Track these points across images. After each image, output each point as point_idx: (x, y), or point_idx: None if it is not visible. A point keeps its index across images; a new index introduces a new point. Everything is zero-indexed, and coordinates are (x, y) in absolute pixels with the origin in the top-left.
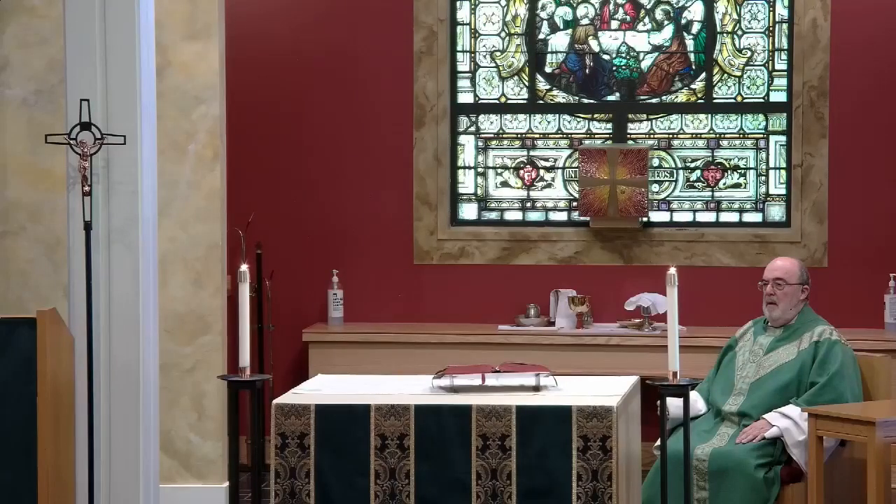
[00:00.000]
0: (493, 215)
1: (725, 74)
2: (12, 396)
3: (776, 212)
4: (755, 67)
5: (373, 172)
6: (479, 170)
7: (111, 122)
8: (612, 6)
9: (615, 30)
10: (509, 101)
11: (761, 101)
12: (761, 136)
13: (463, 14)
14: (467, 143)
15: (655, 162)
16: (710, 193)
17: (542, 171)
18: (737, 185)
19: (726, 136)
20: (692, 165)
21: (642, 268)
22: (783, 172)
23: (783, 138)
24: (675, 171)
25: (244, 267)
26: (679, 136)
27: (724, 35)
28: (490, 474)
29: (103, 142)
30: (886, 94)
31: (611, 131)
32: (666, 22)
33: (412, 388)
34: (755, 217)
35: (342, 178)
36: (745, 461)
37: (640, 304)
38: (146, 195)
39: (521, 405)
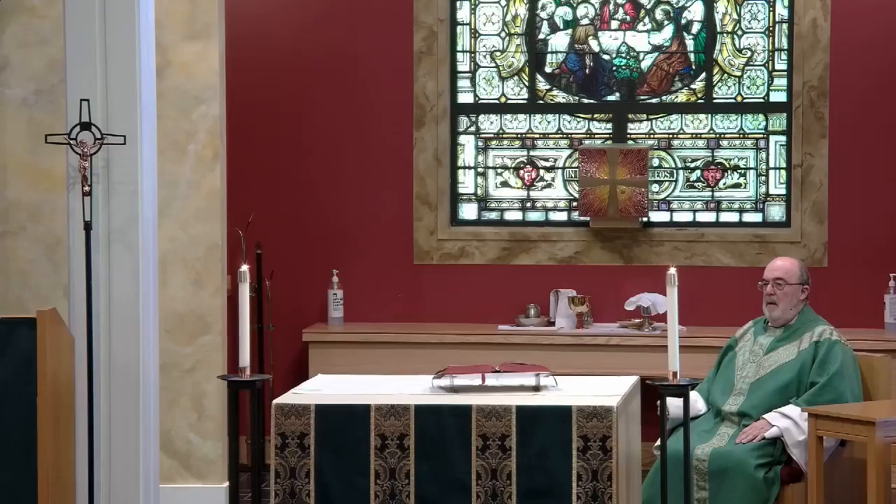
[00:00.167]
0: (493, 215)
1: (725, 74)
2: (12, 396)
3: (776, 212)
4: (755, 67)
5: (373, 172)
6: (479, 170)
7: (111, 122)
8: (612, 6)
9: (615, 30)
10: (509, 101)
11: (761, 101)
12: (761, 136)
13: (463, 14)
14: (467, 143)
15: (655, 162)
16: (710, 193)
17: (542, 171)
18: (737, 185)
19: (726, 136)
20: (692, 165)
21: (642, 268)
22: (783, 172)
23: (783, 138)
24: (675, 171)
25: (244, 267)
26: (679, 136)
27: (724, 35)
28: (490, 474)
29: (103, 142)
30: (886, 94)
31: (611, 131)
32: (666, 22)
33: (412, 388)
34: (755, 217)
35: (342, 178)
36: (745, 461)
37: (640, 304)
38: (146, 195)
39: (521, 405)
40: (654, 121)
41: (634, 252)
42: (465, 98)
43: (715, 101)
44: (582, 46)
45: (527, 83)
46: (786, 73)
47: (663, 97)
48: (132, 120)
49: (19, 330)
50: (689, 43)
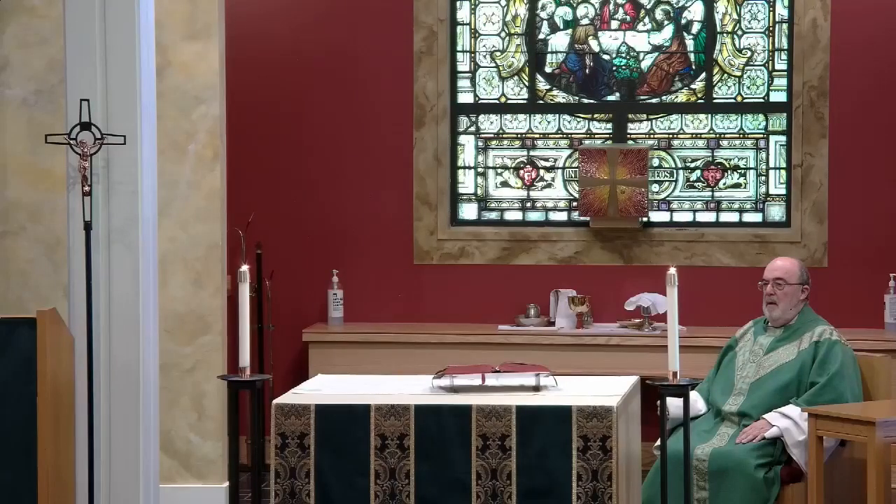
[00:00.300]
0: (493, 215)
1: (725, 74)
2: (12, 396)
3: (776, 212)
4: (755, 67)
5: (373, 172)
6: (479, 170)
7: (111, 122)
8: (612, 6)
9: (615, 30)
10: (509, 101)
11: (761, 101)
12: (761, 136)
13: (463, 14)
14: (467, 143)
15: (655, 162)
16: (710, 193)
17: (542, 171)
18: (737, 185)
19: (726, 136)
20: (692, 165)
21: (642, 268)
22: (783, 172)
23: (783, 138)
24: (675, 171)
25: (244, 267)
26: (679, 136)
27: (724, 35)
28: (490, 474)
29: (103, 142)
30: (886, 94)
31: (611, 131)
32: (666, 22)
33: (412, 388)
34: (755, 217)
35: (342, 178)
36: (745, 461)
37: (640, 304)
38: (146, 195)
39: (521, 405)
40: (654, 121)
41: (634, 252)
42: (465, 98)
43: (715, 101)
44: (582, 46)
45: (527, 83)
46: (786, 73)
47: (663, 97)
48: (132, 120)
49: (19, 330)
50: (689, 43)
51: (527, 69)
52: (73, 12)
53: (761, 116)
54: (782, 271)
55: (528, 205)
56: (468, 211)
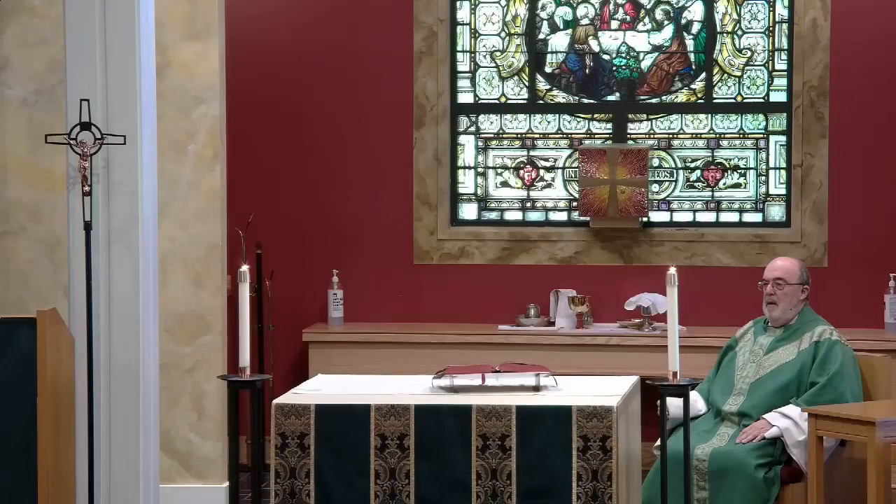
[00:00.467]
0: (493, 215)
1: (725, 74)
2: (12, 396)
3: (776, 212)
4: (755, 67)
5: (373, 172)
6: (479, 170)
7: (111, 122)
8: (612, 6)
9: (615, 30)
10: (509, 101)
11: (761, 101)
12: (761, 136)
13: (463, 14)
14: (467, 143)
15: (655, 162)
16: (710, 193)
17: (542, 171)
18: (737, 185)
19: (726, 136)
20: (692, 165)
21: (642, 268)
22: (783, 172)
23: (783, 138)
24: (675, 171)
25: (244, 267)
26: (679, 136)
27: (724, 35)
28: (490, 474)
29: (103, 142)
30: (886, 94)
31: (611, 131)
32: (666, 22)
33: (412, 388)
34: (755, 217)
35: (342, 178)
36: (745, 461)
37: (640, 304)
38: (146, 195)
39: (521, 405)
40: (654, 121)
41: (634, 252)
42: (465, 98)
43: (715, 101)
44: (582, 46)
45: (527, 83)
46: (786, 73)
47: (663, 97)
48: (132, 120)
49: (19, 330)
50: (689, 43)
51: (527, 69)
52: (73, 12)
53: (761, 116)
54: (782, 271)
55: (528, 205)
56: (468, 211)
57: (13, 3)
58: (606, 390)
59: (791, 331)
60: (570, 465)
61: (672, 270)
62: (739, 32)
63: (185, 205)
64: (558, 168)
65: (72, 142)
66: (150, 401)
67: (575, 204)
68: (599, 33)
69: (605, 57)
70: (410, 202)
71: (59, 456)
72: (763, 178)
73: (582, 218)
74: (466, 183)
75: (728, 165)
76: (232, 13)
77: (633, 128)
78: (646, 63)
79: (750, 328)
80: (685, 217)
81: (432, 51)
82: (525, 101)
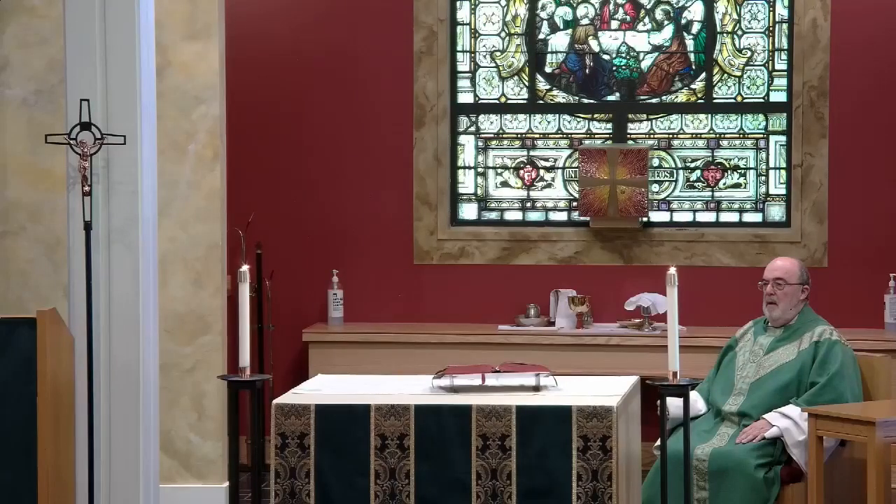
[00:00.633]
0: (493, 215)
1: (725, 74)
2: (12, 396)
3: (776, 212)
4: (755, 67)
5: (373, 172)
6: (479, 170)
7: (111, 122)
8: (612, 6)
9: (615, 30)
10: (509, 101)
11: (761, 101)
12: (761, 136)
13: (463, 14)
14: (467, 143)
15: (655, 162)
16: (710, 193)
17: (542, 171)
18: (737, 185)
19: (726, 136)
20: (692, 165)
21: (642, 268)
22: (783, 172)
23: (783, 138)
24: (675, 171)
25: (244, 267)
26: (679, 136)
27: (724, 35)
28: (490, 474)
29: (103, 142)
30: (886, 94)
31: (611, 131)
32: (666, 22)
33: (412, 388)
34: (755, 217)
35: (342, 178)
36: (745, 461)
37: (640, 304)
38: (146, 195)
39: (521, 405)
40: (654, 121)
41: (634, 252)
42: (465, 98)
43: (715, 101)
44: (582, 46)
45: (527, 83)
46: (786, 73)
47: (663, 97)
48: (132, 120)
49: (19, 330)
50: (689, 43)
51: (527, 69)
52: (73, 12)
53: (761, 116)
54: (782, 271)
55: (528, 205)
56: (468, 211)
57: (13, 3)
58: (606, 390)
59: (791, 331)
60: (570, 465)
61: (672, 270)
62: (739, 32)
63: (185, 205)
64: (558, 168)
65: (72, 142)
66: (150, 401)
67: (575, 204)
68: (599, 33)
69: (605, 57)
70: (410, 202)
71: (59, 456)
72: (763, 178)
73: (582, 218)
74: (466, 183)
75: (728, 165)
76: (232, 13)
77: (633, 128)
78: (646, 63)
79: (750, 328)
80: (685, 217)
81: (432, 51)
82: (525, 101)
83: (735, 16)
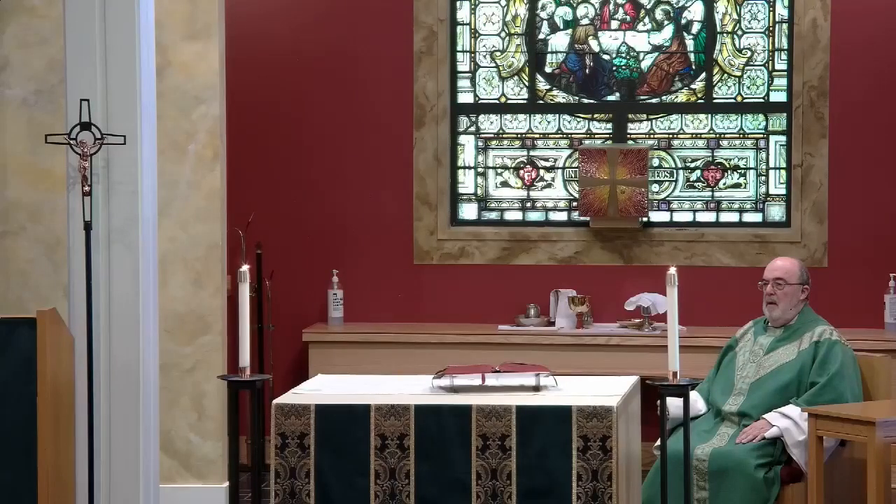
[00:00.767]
0: (493, 215)
1: (725, 74)
2: (12, 396)
3: (776, 212)
4: (755, 67)
5: (373, 172)
6: (479, 170)
7: (111, 122)
8: (612, 6)
9: (615, 30)
10: (509, 101)
11: (761, 101)
12: (761, 136)
13: (463, 14)
14: (467, 143)
15: (655, 162)
16: (710, 193)
17: (542, 171)
18: (737, 185)
19: (726, 136)
20: (692, 165)
21: (642, 268)
22: (783, 172)
23: (783, 138)
24: (675, 171)
25: (244, 267)
26: (679, 136)
27: (724, 35)
28: (490, 474)
29: (103, 142)
30: (886, 94)
31: (611, 131)
32: (666, 22)
33: (412, 388)
34: (755, 217)
35: (342, 178)
36: (745, 461)
37: (640, 304)
38: (146, 195)
39: (521, 405)
40: (654, 121)
41: (634, 252)
42: (465, 98)
43: (715, 101)
44: (582, 46)
45: (527, 83)
46: (786, 73)
47: (663, 97)
48: (132, 120)
49: (19, 330)
50: (689, 43)
51: (527, 69)
52: (73, 12)
53: (761, 116)
54: (782, 271)
55: (528, 205)
56: (468, 211)
57: (13, 3)
58: (606, 390)
59: (791, 331)
60: (570, 465)
61: (672, 270)
62: (739, 32)
63: (185, 205)
64: (558, 168)
65: (72, 142)
66: (150, 401)
67: (575, 204)
68: (599, 33)
69: (605, 57)
70: (410, 202)
71: (59, 456)
72: (763, 178)
73: (582, 218)
74: (466, 183)
75: (728, 165)
76: (232, 13)
77: (633, 128)
78: (646, 63)
79: (750, 328)
80: (685, 217)
81: (432, 51)
82: (525, 101)
83: (735, 16)
